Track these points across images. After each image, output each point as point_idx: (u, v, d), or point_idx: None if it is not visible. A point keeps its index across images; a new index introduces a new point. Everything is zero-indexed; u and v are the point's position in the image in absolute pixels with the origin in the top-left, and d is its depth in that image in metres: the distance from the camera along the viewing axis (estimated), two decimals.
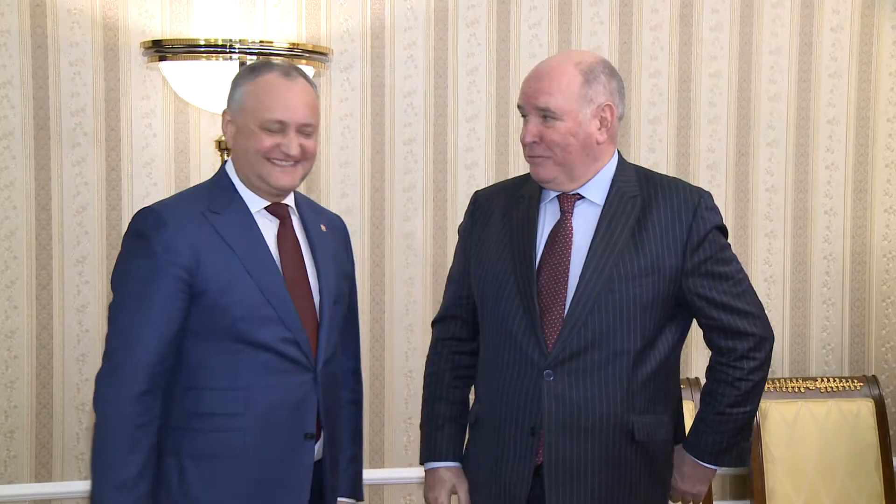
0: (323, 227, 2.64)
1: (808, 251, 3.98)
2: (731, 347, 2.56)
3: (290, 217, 2.55)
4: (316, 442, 2.53)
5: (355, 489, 2.72)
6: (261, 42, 3.27)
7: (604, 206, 2.55)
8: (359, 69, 3.64)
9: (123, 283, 2.33)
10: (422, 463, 2.75)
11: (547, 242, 2.55)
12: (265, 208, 2.51)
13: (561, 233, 2.57)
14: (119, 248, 2.36)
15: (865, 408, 3.93)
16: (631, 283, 2.48)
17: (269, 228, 2.50)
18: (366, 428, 3.31)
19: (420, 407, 2.79)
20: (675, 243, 2.50)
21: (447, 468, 2.72)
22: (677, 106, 3.86)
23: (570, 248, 2.55)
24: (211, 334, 2.39)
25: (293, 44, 3.33)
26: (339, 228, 2.74)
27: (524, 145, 2.49)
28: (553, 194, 2.58)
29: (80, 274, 3.47)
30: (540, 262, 2.54)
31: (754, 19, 3.92)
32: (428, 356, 2.79)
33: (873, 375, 4.01)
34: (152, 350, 2.29)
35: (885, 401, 3.90)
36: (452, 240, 3.20)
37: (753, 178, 3.92)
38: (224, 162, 2.73)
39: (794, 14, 3.92)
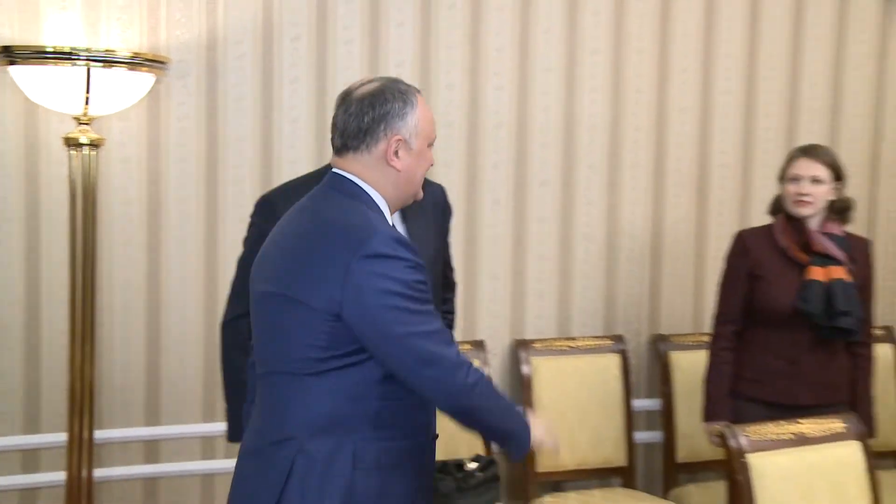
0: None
1: (571, 234, 4.14)
2: None
3: None
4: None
5: None
6: (105, 51, 3.22)
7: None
8: (194, 76, 3.61)
9: None
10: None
11: None
12: None
13: None
14: None
15: (613, 361, 4.17)
16: None
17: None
18: None
19: None
20: None
21: None
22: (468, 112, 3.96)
23: None
24: None
25: (135, 53, 3.28)
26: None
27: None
28: None
29: None
30: None
31: (529, 42, 4.01)
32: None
33: (620, 335, 4.26)
34: None
35: (628, 355, 4.16)
36: None
37: (531, 177, 4.07)
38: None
39: (561, 37, 4.04)
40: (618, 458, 4.08)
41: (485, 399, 2.18)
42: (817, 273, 3.42)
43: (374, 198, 2.23)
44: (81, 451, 3.36)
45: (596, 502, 3.91)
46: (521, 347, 4.04)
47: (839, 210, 3.55)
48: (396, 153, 2.19)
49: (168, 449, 3.73)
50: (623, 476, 4.13)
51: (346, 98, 2.26)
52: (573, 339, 4.19)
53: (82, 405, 3.36)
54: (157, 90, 3.56)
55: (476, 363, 2.70)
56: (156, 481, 3.73)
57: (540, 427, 2.35)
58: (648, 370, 4.29)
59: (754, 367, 3.50)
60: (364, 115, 2.20)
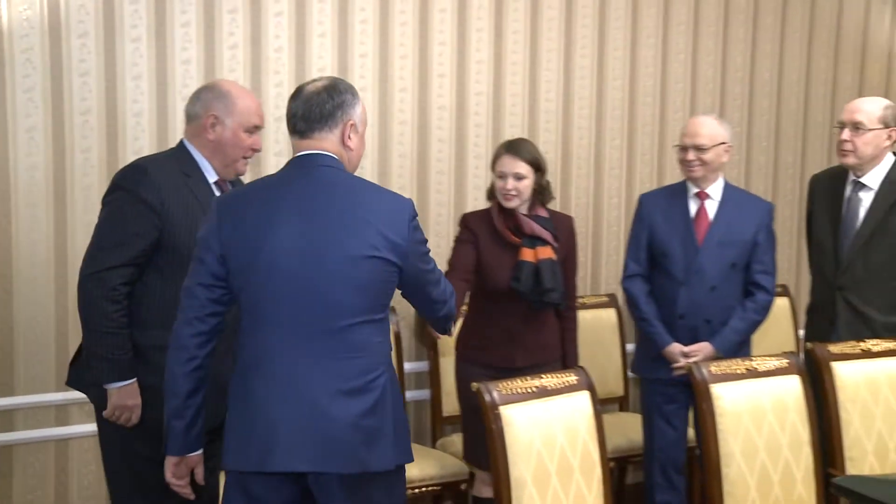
0: None
1: None
2: None
3: None
4: None
5: None
6: None
7: None
8: None
9: None
10: None
11: None
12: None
13: None
14: None
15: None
16: None
17: None
18: None
19: None
20: None
21: None
22: None
23: None
24: None
25: None
26: None
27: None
28: None
29: None
30: None
31: (306, 46, 4.07)
32: None
33: (393, 306, 4.44)
34: None
35: (400, 325, 4.20)
36: None
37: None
38: None
39: (334, 40, 4.17)
40: None
41: None
42: (527, 254, 3.57)
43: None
44: None
45: None
46: None
47: (542, 195, 3.68)
48: None
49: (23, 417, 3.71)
50: None
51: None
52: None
53: None
54: None
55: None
56: (11, 448, 3.69)
57: None
58: (417, 336, 4.38)
59: (478, 335, 3.68)
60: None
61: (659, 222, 3.89)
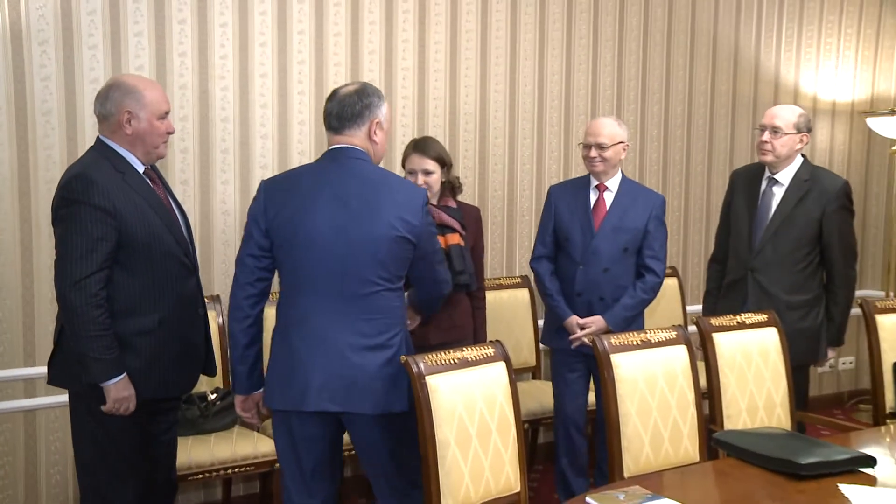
0: None
1: None
2: None
3: None
4: None
5: None
6: None
7: None
8: None
9: None
10: None
11: None
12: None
13: None
14: None
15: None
16: None
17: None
18: None
19: None
20: None
21: None
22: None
23: None
24: None
25: None
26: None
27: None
28: None
29: None
30: None
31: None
32: None
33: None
34: None
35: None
36: None
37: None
38: None
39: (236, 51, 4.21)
40: None
41: None
42: (439, 241, 3.46)
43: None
44: None
45: None
46: None
47: (451, 188, 3.71)
48: None
49: None
50: None
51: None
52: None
53: None
54: None
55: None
56: None
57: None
58: None
59: None
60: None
61: (563, 210, 3.98)
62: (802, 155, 4.05)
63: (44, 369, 3.21)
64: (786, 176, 3.99)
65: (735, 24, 5.55)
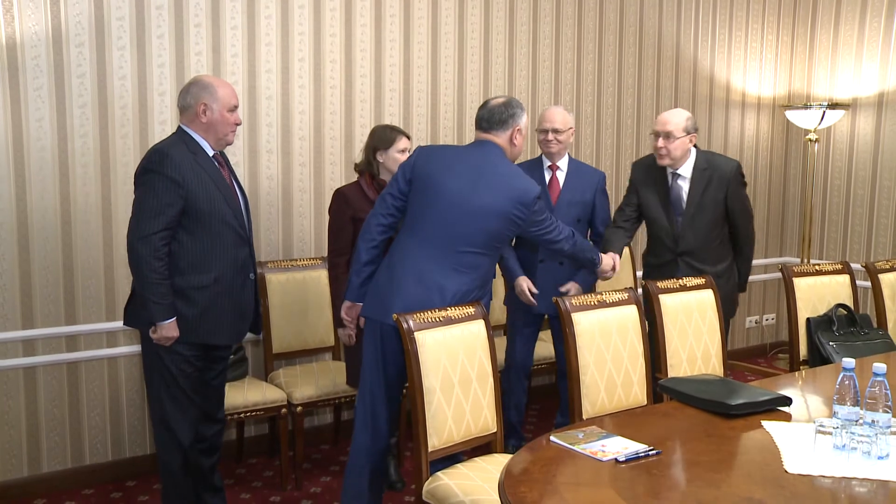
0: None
1: None
2: None
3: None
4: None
5: None
6: None
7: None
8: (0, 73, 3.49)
9: None
10: None
11: None
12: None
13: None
14: None
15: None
16: None
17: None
18: None
19: None
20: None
21: None
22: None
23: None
24: None
25: None
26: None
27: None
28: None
29: None
30: None
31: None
32: None
33: None
34: None
35: None
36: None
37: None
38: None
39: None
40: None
41: None
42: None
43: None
44: None
45: None
46: None
47: None
48: None
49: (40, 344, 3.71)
50: None
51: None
52: None
53: None
54: None
55: None
56: (34, 368, 3.71)
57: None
58: None
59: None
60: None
61: None
62: (695, 146, 3.94)
63: (84, 326, 3.38)
64: (686, 170, 3.89)
65: (677, 29, 5.57)
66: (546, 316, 4.09)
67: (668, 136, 3.80)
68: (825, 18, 5.90)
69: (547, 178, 3.95)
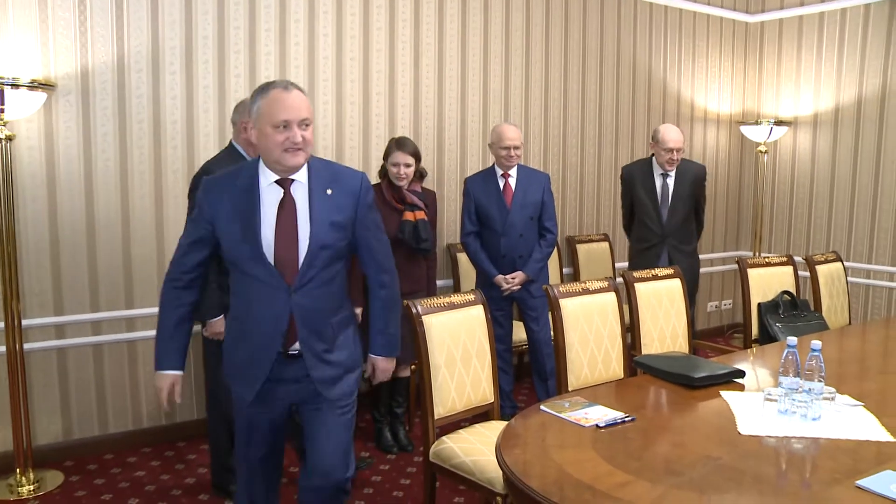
0: (328, 192, 2.15)
1: None
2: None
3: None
4: (294, 341, 2.17)
5: (381, 348, 2.38)
6: (13, 77, 3.10)
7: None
8: (74, 94, 3.49)
9: None
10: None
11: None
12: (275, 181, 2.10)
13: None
14: None
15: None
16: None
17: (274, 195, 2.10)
18: None
19: None
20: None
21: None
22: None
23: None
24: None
25: (33, 79, 3.16)
26: (347, 186, 2.19)
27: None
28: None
29: None
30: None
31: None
32: None
33: None
34: None
35: None
36: None
37: None
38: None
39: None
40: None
41: None
42: (409, 216, 3.52)
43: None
44: (15, 333, 3.32)
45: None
46: None
47: (419, 176, 3.65)
48: None
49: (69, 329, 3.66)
50: None
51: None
52: None
53: (12, 306, 3.28)
54: (49, 103, 3.46)
55: None
56: (65, 350, 3.65)
57: None
58: None
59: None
60: None
61: (480, 196, 3.88)
62: None
63: (141, 310, 3.40)
64: (673, 171, 4.29)
65: (649, 56, 5.53)
66: (513, 300, 4.03)
67: (680, 150, 4.20)
68: (770, 50, 5.92)
69: (501, 185, 3.90)
